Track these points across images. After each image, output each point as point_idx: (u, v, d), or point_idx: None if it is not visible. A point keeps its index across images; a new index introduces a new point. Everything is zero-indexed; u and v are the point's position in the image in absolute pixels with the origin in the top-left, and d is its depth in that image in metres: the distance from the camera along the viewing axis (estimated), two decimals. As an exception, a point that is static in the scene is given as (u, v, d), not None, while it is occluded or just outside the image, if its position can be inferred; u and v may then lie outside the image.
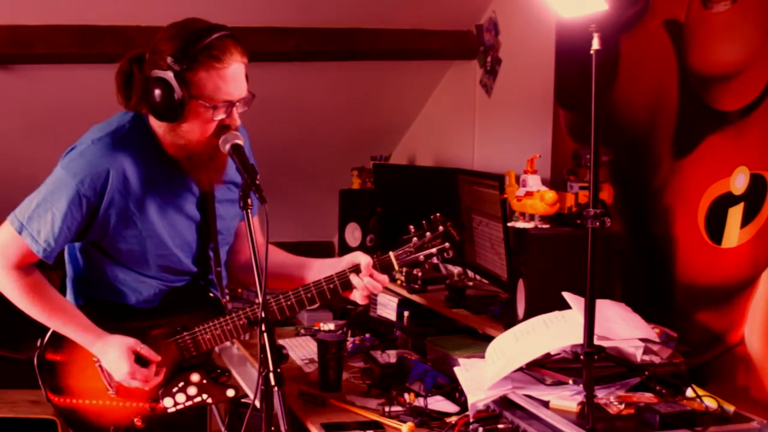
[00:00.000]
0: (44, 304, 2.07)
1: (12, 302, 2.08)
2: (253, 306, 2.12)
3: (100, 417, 2.15)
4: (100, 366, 2.12)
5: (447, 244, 2.14)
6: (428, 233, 2.14)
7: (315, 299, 2.11)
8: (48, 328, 2.13)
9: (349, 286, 2.14)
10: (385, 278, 2.14)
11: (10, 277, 2.04)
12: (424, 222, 2.17)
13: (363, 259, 2.12)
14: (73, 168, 1.99)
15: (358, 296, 2.13)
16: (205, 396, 2.15)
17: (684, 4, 2.41)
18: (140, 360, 2.08)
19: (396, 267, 2.15)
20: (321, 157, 4.46)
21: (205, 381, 2.16)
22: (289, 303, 2.12)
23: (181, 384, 2.14)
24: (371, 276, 2.11)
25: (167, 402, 2.14)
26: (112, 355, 2.06)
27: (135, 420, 2.15)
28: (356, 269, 2.11)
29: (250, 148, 2.18)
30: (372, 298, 3.27)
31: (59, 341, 2.13)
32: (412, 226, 2.17)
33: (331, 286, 2.12)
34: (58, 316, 2.08)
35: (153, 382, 2.10)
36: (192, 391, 2.15)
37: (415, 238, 2.15)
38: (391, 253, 2.15)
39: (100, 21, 3.26)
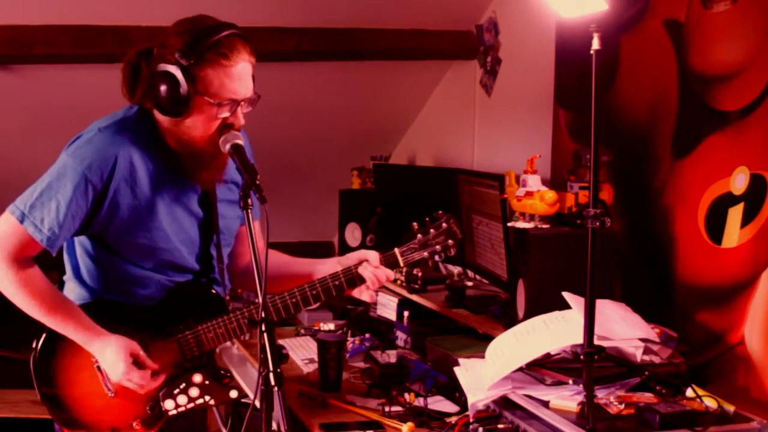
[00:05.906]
0: (42, 300, 1.99)
1: (7, 298, 1.99)
2: (253, 305, 2.10)
3: (96, 420, 2.09)
4: (99, 367, 2.06)
5: (450, 242, 2.16)
6: (432, 230, 2.16)
7: (320, 296, 2.12)
8: (44, 330, 2.06)
9: (354, 284, 2.14)
10: (390, 272, 2.16)
11: (8, 270, 1.96)
12: (427, 219, 2.19)
13: (371, 253, 2.15)
14: (80, 154, 1.96)
15: (365, 293, 2.14)
16: (207, 398, 2.11)
17: (684, 4, 2.41)
18: (138, 363, 2.04)
19: (401, 264, 2.16)
20: (321, 157, 4.46)
21: (207, 382, 2.11)
22: (294, 300, 2.11)
23: (182, 385, 2.10)
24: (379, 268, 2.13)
25: (168, 404, 2.09)
26: (110, 355, 2.02)
27: (134, 423, 2.10)
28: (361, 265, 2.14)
29: (251, 148, 2.17)
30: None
31: (56, 342, 2.06)
32: (415, 223, 2.19)
33: (337, 282, 2.12)
34: (57, 313, 2.01)
35: (149, 386, 2.06)
36: (194, 392, 2.11)
37: (419, 235, 2.17)
38: (396, 250, 2.16)
39: (100, 21, 3.26)
